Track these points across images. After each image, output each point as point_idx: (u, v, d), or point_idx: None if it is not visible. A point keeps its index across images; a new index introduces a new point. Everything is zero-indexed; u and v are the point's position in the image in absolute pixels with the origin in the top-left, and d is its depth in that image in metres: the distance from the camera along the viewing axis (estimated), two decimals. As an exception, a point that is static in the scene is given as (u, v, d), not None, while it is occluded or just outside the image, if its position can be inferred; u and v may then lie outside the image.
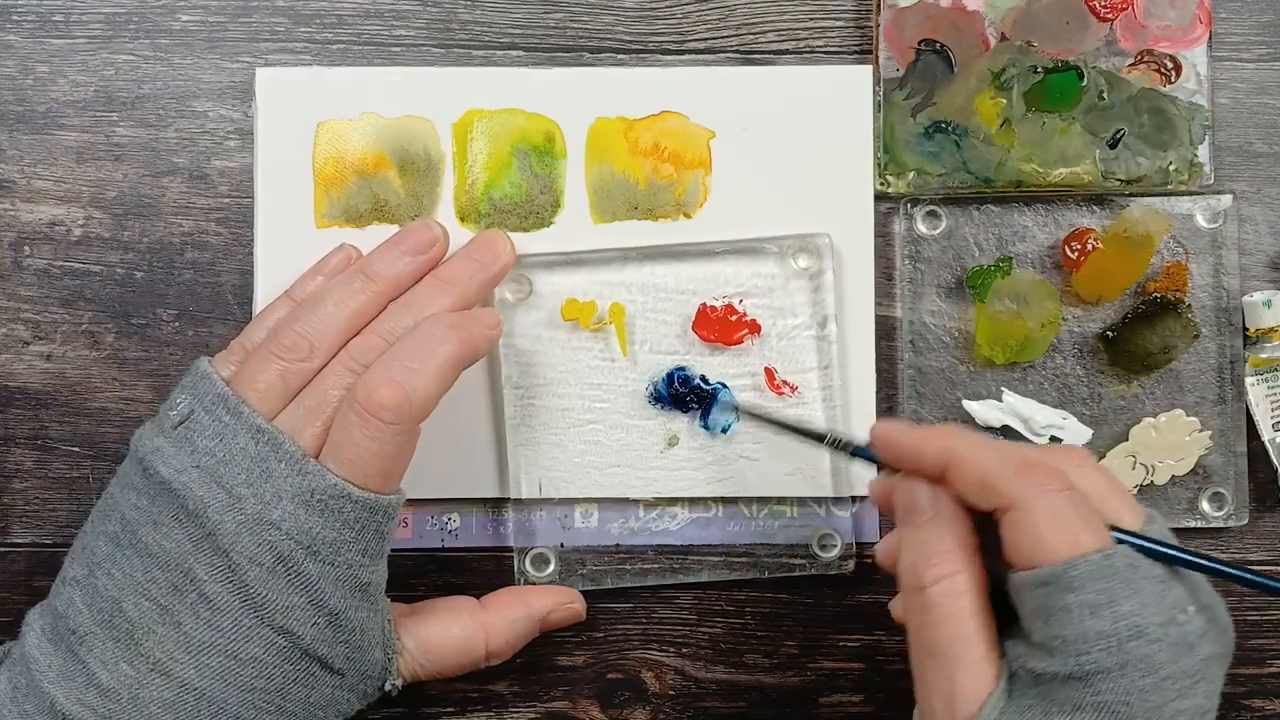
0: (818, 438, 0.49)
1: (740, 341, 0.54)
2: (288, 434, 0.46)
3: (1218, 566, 0.41)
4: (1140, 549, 0.40)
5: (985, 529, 0.42)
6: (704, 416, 0.54)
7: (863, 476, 0.54)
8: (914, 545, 0.43)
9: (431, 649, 0.50)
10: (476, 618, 0.51)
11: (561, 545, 0.54)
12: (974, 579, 0.42)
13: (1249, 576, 0.41)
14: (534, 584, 0.54)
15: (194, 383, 0.47)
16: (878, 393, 0.55)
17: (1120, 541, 0.40)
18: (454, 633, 0.50)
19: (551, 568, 0.54)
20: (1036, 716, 0.39)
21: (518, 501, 0.54)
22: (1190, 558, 0.41)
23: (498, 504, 0.55)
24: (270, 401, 0.46)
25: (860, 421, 0.54)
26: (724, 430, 0.54)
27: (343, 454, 0.45)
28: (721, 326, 0.54)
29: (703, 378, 0.54)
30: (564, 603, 0.53)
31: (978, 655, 0.41)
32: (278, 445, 0.45)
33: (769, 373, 0.54)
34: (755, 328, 0.54)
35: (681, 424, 0.54)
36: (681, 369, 0.54)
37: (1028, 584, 0.40)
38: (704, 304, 0.54)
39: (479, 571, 0.55)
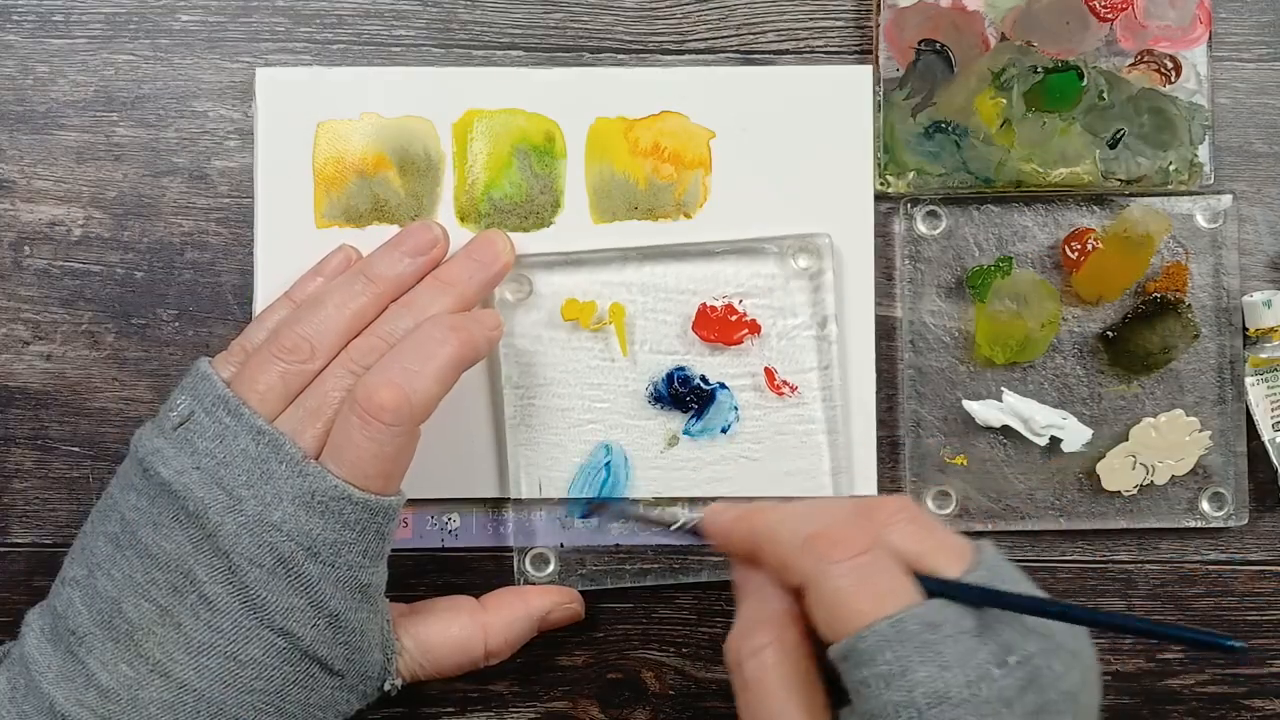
0: (668, 525, 0.50)
1: (740, 342, 0.54)
2: (288, 435, 0.45)
3: (1036, 604, 0.38)
4: (958, 597, 0.38)
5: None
6: (695, 423, 0.54)
7: (865, 477, 0.54)
8: (736, 623, 0.42)
9: (431, 649, 0.50)
10: (475, 617, 0.51)
11: (561, 545, 0.54)
12: (788, 652, 0.41)
13: (1078, 615, 0.39)
14: (534, 584, 0.54)
15: (194, 384, 0.47)
16: (878, 393, 0.55)
17: (933, 593, 0.38)
18: (453, 632, 0.50)
19: (551, 568, 0.54)
20: None
21: (517, 501, 0.54)
22: (1006, 599, 0.38)
23: (498, 504, 0.55)
24: (271, 403, 0.46)
25: (860, 422, 0.54)
26: (724, 430, 0.54)
27: (343, 455, 0.45)
28: (721, 326, 0.54)
29: (703, 378, 0.54)
30: (563, 603, 0.53)
31: None
32: (278, 447, 0.45)
33: (769, 373, 0.54)
34: (755, 328, 0.54)
35: (681, 424, 0.54)
36: (681, 369, 0.54)
37: (835, 659, 0.39)
38: (704, 304, 0.54)
39: (479, 571, 0.55)
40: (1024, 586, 0.41)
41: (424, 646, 0.50)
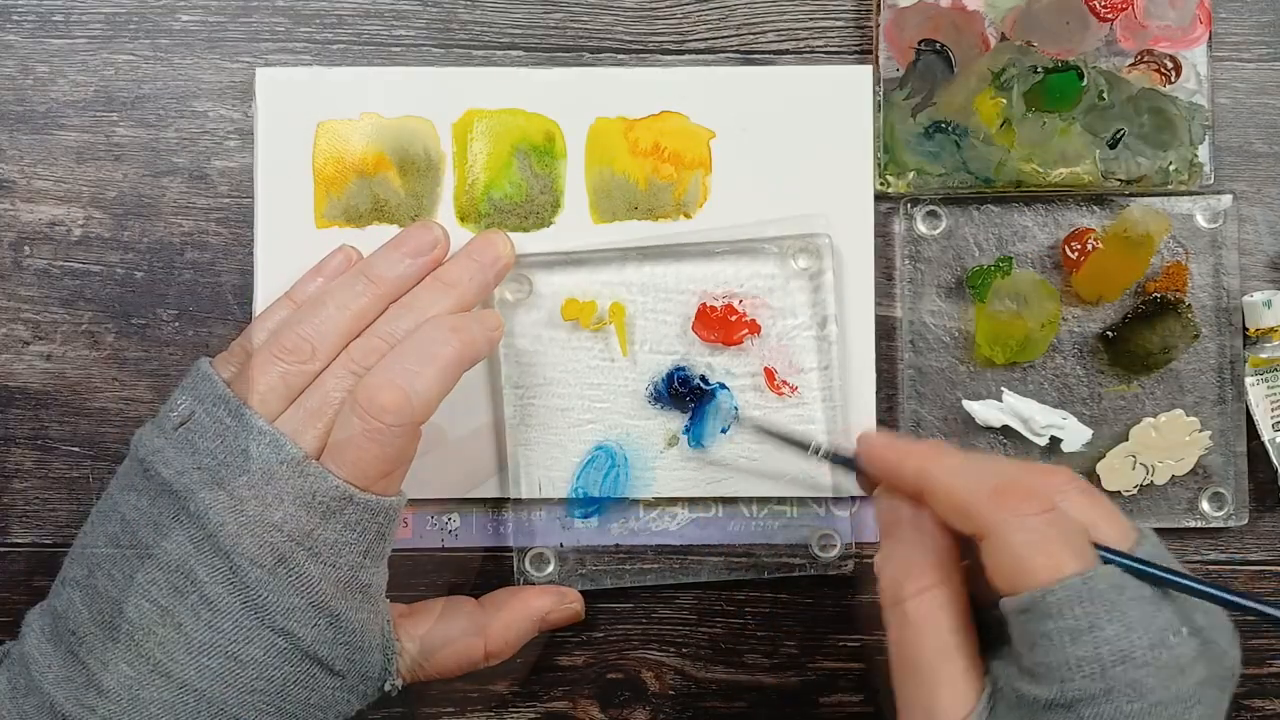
0: (804, 446, 0.50)
1: (740, 342, 0.54)
2: (289, 436, 0.46)
3: (1205, 589, 0.40)
4: (1127, 569, 0.39)
5: (973, 548, 0.42)
6: (694, 426, 0.54)
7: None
8: (893, 560, 0.43)
9: (431, 650, 0.50)
10: (475, 618, 0.51)
11: (561, 545, 0.54)
12: (954, 594, 0.41)
13: (1238, 600, 0.40)
14: (534, 584, 0.54)
15: (195, 384, 0.47)
16: (878, 393, 0.55)
17: (1107, 562, 0.39)
18: (453, 633, 0.51)
19: (551, 568, 0.54)
20: None
21: (517, 501, 0.54)
22: (1177, 579, 0.40)
23: (498, 504, 0.55)
24: (271, 403, 0.46)
25: (860, 422, 0.54)
26: (724, 431, 0.54)
27: (344, 456, 0.45)
28: (722, 326, 0.54)
29: (703, 377, 0.54)
30: (562, 603, 0.53)
31: (957, 671, 0.40)
32: (279, 447, 0.45)
33: (769, 373, 0.54)
34: (755, 328, 0.54)
35: (681, 424, 0.54)
36: (681, 369, 0.54)
37: (1010, 611, 0.39)
38: (704, 304, 0.54)
39: (479, 571, 0.55)
40: (1183, 571, 0.41)
41: (424, 647, 0.50)
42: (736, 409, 0.54)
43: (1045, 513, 0.40)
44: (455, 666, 0.51)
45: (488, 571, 0.55)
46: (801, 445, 0.50)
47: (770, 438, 0.52)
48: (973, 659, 0.41)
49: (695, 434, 0.54)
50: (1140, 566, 0.39)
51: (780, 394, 0.54)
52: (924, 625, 0.41)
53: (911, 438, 0.45)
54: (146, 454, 0.46)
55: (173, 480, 0.45)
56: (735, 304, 0.54)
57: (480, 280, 0.51)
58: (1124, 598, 0.38)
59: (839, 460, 0.47)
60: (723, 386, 0.54)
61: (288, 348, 0.47)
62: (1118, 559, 0.39)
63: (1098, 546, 0.40)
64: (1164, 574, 0.39)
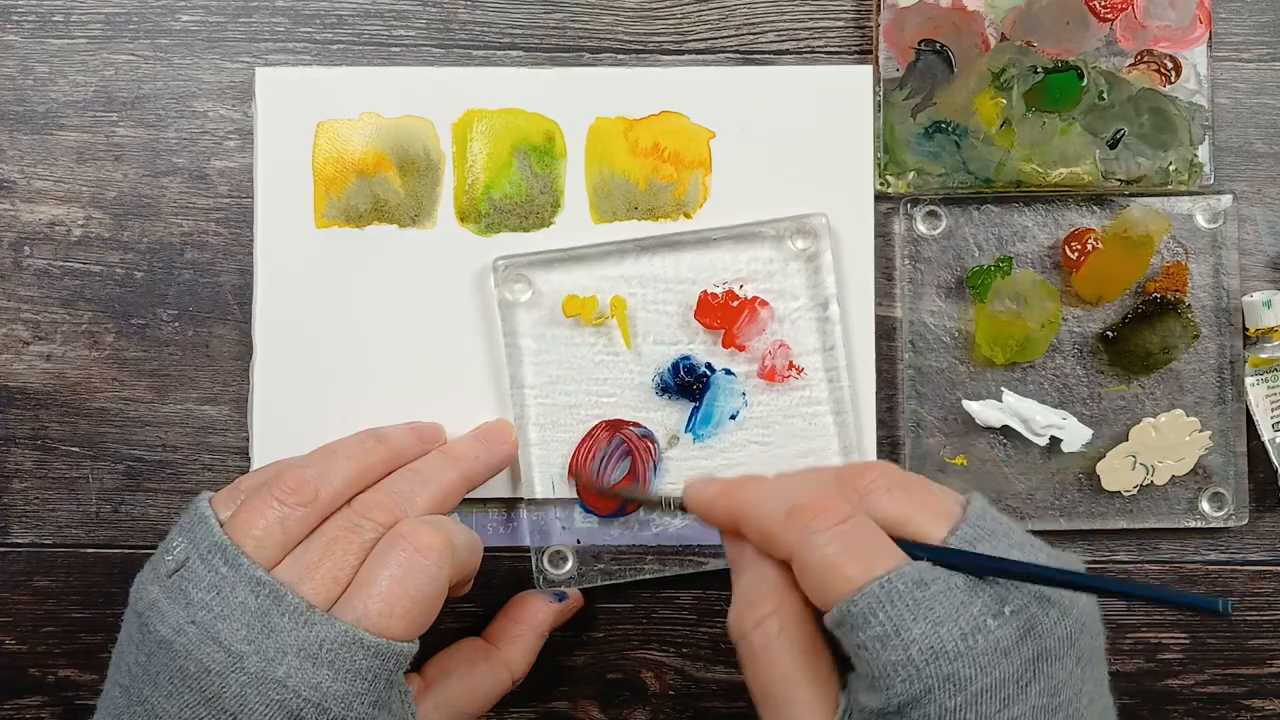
0: (656, 505, 0.50)
1: (743, 349, 0.54)
2: (288, 585, 0.43)
3: (1009, 567, 0.38)
4: (935, 560, 0.39)
5: None
6: (697, 419, 0.54)
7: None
8: (735, 597, 0.43)
9: (463, 710, 0.50)
10: (494, 660, 0.51)
11: (579, 542, 0.54)
12: (793, 621, 0.41)
13: (1041, 574, 0.38)
14: (552, 582, 0.54)
15: (191, 525, 0.45)
16: (878, 393, 0.55)
17: (917, 557, 0.39)
18: (481, 686, 0.51)
19: (569, 565, 0.54)
20: None
21: (530, 500, 0.54)
22: (981, 563, 0.39)
23: (508, 504, 0.55)
24: (269, 549, 0.44)
25: (864, 414, 0.54)
26: (732, 417, 0.54)
27: (373, 590, 0.43)
28: (724, 313, 0.54)
29: (708, 365, 0.54)
30: (565, 609, 0.54)
31: (806, 696, 0.40)
32: (280, 598, 0.43)
33: (770, 369, 0.54)
34: (763, 304, 0.54)
35: (681, 422, 0.54)
36: (686, 358, 0.54)
37: (831, 627, 0.39)
38: (704, 292, 0.54)
39: (485, 571, 0.55)
40: (1015, 537, 0.41)
41: (455, 711, 0.49)
42: (745, 395, 0.54)
43: (839, 525, 0.39)
44: (487, 706, 0.51)
45: (489, 571, 0.55)
46: (656, 505, 0.51)
47: (635, 502, 0.53)
48: (823, 682, 0.40)
49: (699, 426, 0.54)
50: (950, 557, 0.39)
51: (783, 380, 0.54)
52: (765, 655, 0.41)
53: (729, 475, 0.45)
54: (143, 608, 0.44)
55: (170, 638, 0.42)
56: (736, 289, 0.54)
57: (486, 460, 0.52)
58: (929, 593, 0.38)
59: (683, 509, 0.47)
60: (729, 372, 0.54)
61: (290, 488, 0.45)
62: (928, 553, 0.39)
63: (901, 543, 0.39)
64: (970, 560, 0.39)
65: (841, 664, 0.41)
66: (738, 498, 0.43)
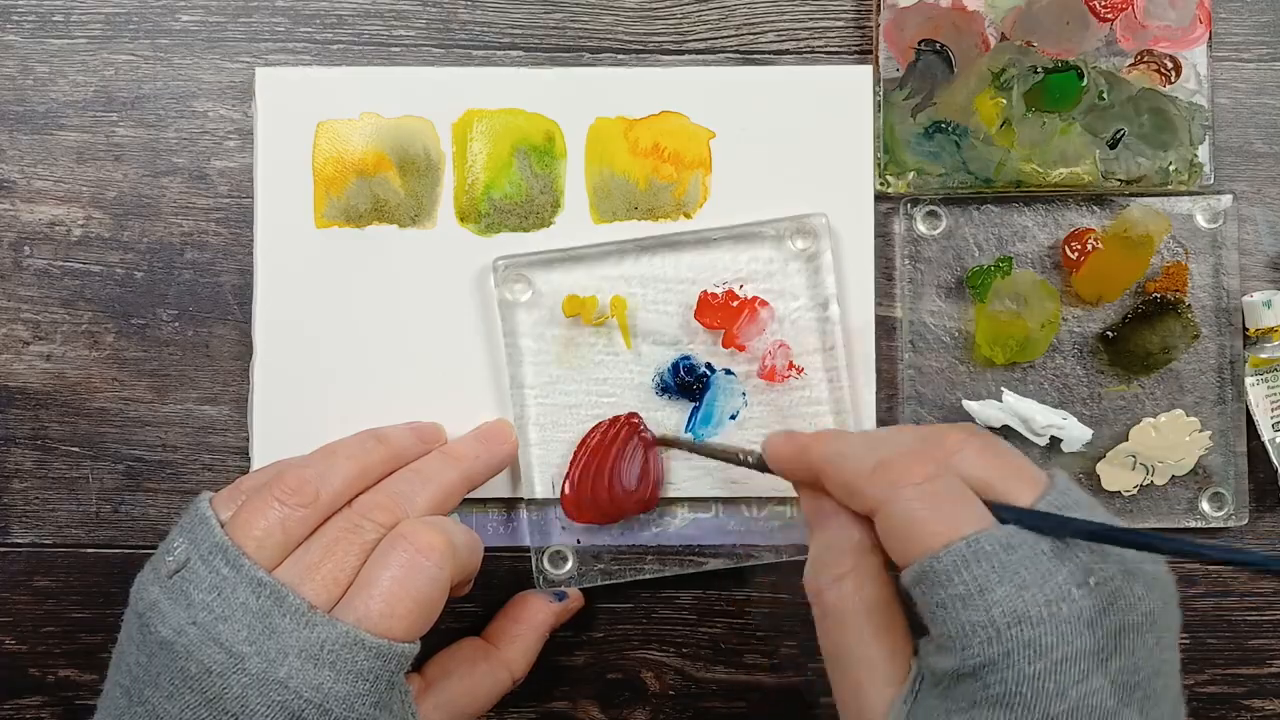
0: (730, 459, 0.50)
1: (744, 349, 0.54)
2: (290, 586, 0.43)
3: (1103, 531, 0.38)
4: (1026, 524, 0.38)
5: None
6: (698, 419, 0.54)
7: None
8: (812, 554, 0.42)
9: (463, 710, 0.50)
10: (495, 660, 0.51)
11: (579, 542, 0.54)
12: (870, 579, 0.41)
13: (1138, 539, 0.38)
14: (552, 582, 0.54)
15: (192, 525, 0.45)
16: (878, 393, 0.55)
17: (1005, 520, 0.38)
18: (482, 686, 0.51)
19: (569, 565, 0.54)
20: (939, 717, 0.37)
21: (530, 501, 0.54)
22: (1072, 526, 0.38)
23: (508, 504, 0.55)
24: (269, 550, 0.44)
25: (864, 415, 0.54)
26: (733, 417, 0.54)
27: (374, 590, 0.43)
28: (724, 313, 0.54)
29: (708, 365, 0.54)
30: (565, 608, 0.54)
31: (880, 655, 0.40)
32: (281, 599, 0.43)
33: (770, 369, 0.54)
34: (762, 304, 0.54)
35: (680, 423, 0.54)
36: (686, 358, 0.54)
37: (908, 584, 0.39)
38: (704, 292, 0.54)
39: (485, 571, 0.55)
40: (1098, 514, 0.40)
41: (456, 711, 0.49)
42: (745, 395, 0.54)
43: (928, 480, 0.39)
44: (487, 706, 0.51)
45: (489, 571, 0.55)
46: (730, 458, 0.50)
47: (701, 455, 0.53)
48: (898, 643, 0.40)
49: (699, 426, 0.54)
50: (1036, 521, 0.38)
51: (783, 380, 0.54)
52: (841, 612, 0.41)
53: (816, 432, 0.45)
54: (144, 609, 0.43)
55: (172, 640, 0.42)
56: (736, 289, 0.54)
57: (486, 460, 0.52)
58: (1015, 557, 0.37)
59: (767, 465, 0.47)
60: (729, 372, 0.54)
61: (291, 488, 0.45)
62: (1016, 516, 0.38)
63: (993, 506, 0.39)
64: (1061, 523, 0.38)
65: (915, 631, 0.41)
66: (822, 451, 0.42)
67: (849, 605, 0.40)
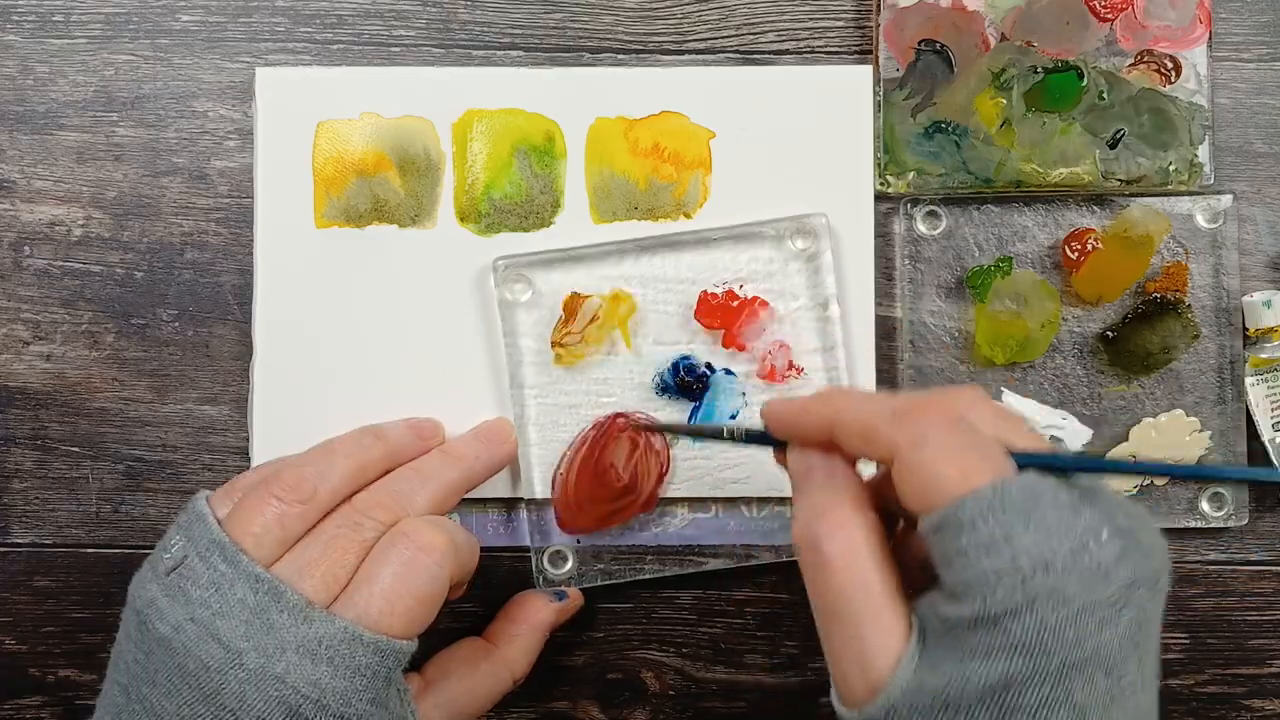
0: (716, 434, 0.49)
1: (744, 348, 0.54)
2: (287, 582, 0.43)
3: (1129, 466, 0.39)
4: (1043, 468, 0.38)
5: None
6: (697, 419, 0.54)
7: (868, 471, 0.54)
8: (806, 506, 0.41)
9: (464, 710, 0.50)
10: (495, 660, 0.51)
11: (579, 542, 0.54)
12: (870, 530, 0.40)
13: (1158, 468, 0.41)
14: (552, 582, 0.54)
15: (189, 523, 0.45)
16: (878, 393, 0.55)
17: (1022, 466, 0.38)
18: (482, 686, 0.50)
19: (569, 564, 0.54)
20: (952, 666, 0.37)
21: (530, 500, 0.54)
22: (1097, 465, 0.38)
23: (508, 504, 0.55)
24: (267, 546, 0.44)
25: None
26: (732, 417, 0.54)
27: (374, 587, 0.44)
28: (724, 313, 0.54)
29: (708, 365, 0.54)
30: (565, 608, 0.54)
31: (884, 608, 0.39)
32: (279, 595, 0.43)
33: (770, 369, 0.54)
34: (762, 304, 0.54)
35: (687, 413, 0.54)
36: (686, 358, 0.54)
37: (926, 531, 0.38)
38: (704, 291, 0.54)
39: (485, 571, 0.55)
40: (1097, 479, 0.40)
41: (455, 711, 0.49)
42: (745, 395, 0.54)
43: (950, 427, 0.38)
44: (487, 705, 0.51)
45: (489, 571, 0.55)
46: (715, 434, 0.49)
47: (684, 435, 0.53)
48: (897, 598, 0.39)
49: (695, 440, 0.54)
50: (1059, 462, 0.38)
51: (783, 382, 0.54)
52: (843, 562, 0.39)
53: (819, 391, 0.44)
54: (142, 605, 0.43)
55: (170, 636, 0.42)
56: (736, 289, 0.54)
57: (486, 459, 0.51)
58: (1040, 505, 0.37)
59: (753, 437, 0.46)
60: (729, 372, 0.54)
61: (288, 484, 0.45)
62: (1035, 460, 0.38)
63: (1012, 454, 0.38)
64: (1086, 461, 0.38)
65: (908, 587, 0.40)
66: (835, 403, 0.42)
67: (852, 553, 0.39)
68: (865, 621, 0.39)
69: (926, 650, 0.38)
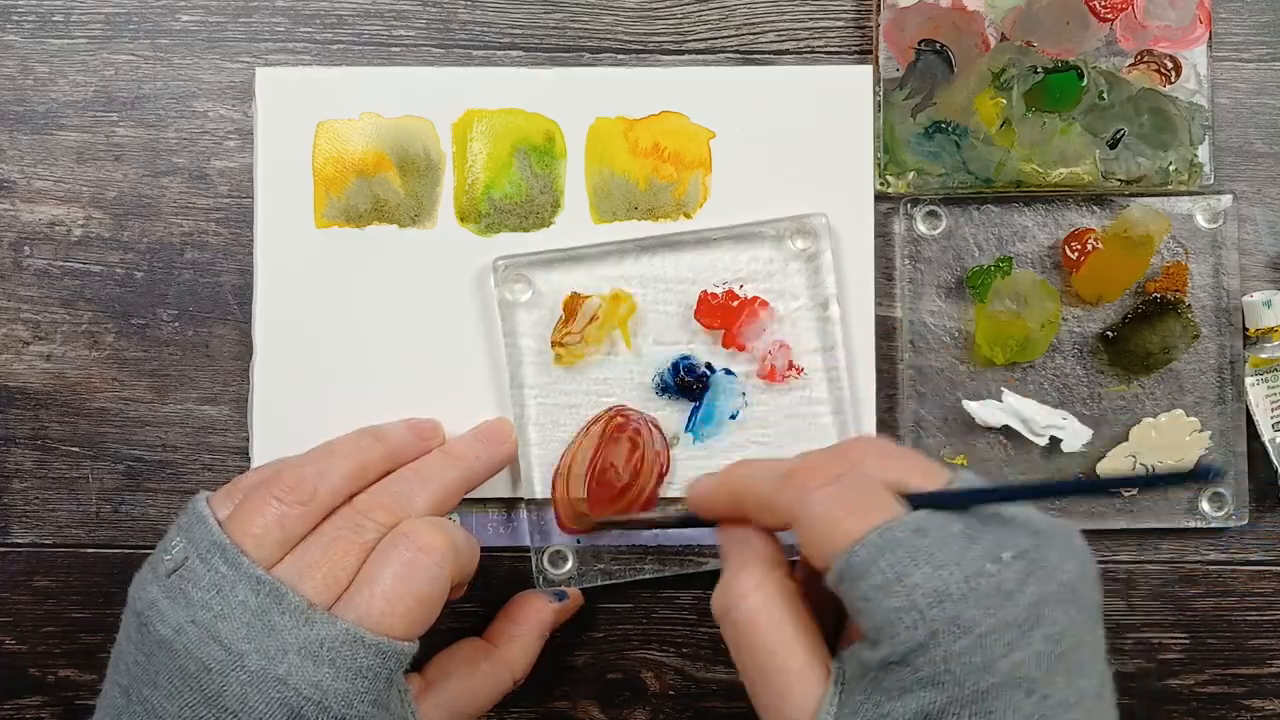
0: (663, 522, 0.51)
1: (744, 348, 0.54)
2: (288, 584, 0.43)
3: (1010, 491, 0.39)
4: (936, 506, 0.39)
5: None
6: (697, 418, 0.54)
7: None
8: (721, 579, 0.43)
9: (464, 710, 0.49)
10: (495, 660, 0.51)
11: (579, 542, 0.54)
12: (779, 592, 0.41)
13: (1045, 489, 0.39)
14: (552, 582, 0.54)
15: (189, 524, 0.45)
16: (878, 393, 0.55)
17: (917, 507, 0.39)
18: (482, 686, 0.50)
19: (569, 565, 0.54)
20: (871, 710, 0.38)
21: (530, 500, 0.54)
22: (982, 494, 0.39)
23: (508, 504, 0.55)
24: (267, 547, 0.44)
25: (864, 415, 0.54)
26: (732, 417, 0.54)
27: (375, 588, 0.44)
28: (724, 313, 0.54)
29: (708, 365, 0.54)
30: (565, 608, 0.54)
31: (799, 663, 0.40)
32: (280, 597, 0.43)
33: (770, 369, 0.54)
34: (763, 304, 0.54)
35: (682, 422, 0.54)
36: (686, 358, 0.54)
37: (832, 585, 0.39)
38: (704, 292, 0.54)
39: (485, 571, 0.55)
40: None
41: (456, 711, 0.49)
42: (745, 395, 0.54)
43: (836, 480, 0.40)
44: (488, 706, 0.51)
45: (489, 571, 0.55)
46: (664, 522, 0.51)
47: (633, 528, 0.54)
48: (815, 650, 0.40)
49: (699, 426, 0.54)
50: (946, 498, 0.39)
51: (783, 381, 0.54)
52: (751, 628, 0.41)
53: (730, 464, 0.46)
54: (143, 607, 0.43)
55: (170, 639, 0.42)
56: (736, 289, 0.54)
57: (486, 460, 0.52)
58: (929, 540, 0.38)
59: (688, 520, 0.47)
60: (729, 372, 0.54)
61: (288, 486, 0.45)
62: (925, 499, 0.39)
63: (905, 496, 0.39)
64: (972, 494, 0.39)
65: (830, 640, 0.41)
66: (734, 475, 0.44)
67: (760, 617, 0.41)
68: (785, 677, 0.40)
69: (847, 697, 0.39)
